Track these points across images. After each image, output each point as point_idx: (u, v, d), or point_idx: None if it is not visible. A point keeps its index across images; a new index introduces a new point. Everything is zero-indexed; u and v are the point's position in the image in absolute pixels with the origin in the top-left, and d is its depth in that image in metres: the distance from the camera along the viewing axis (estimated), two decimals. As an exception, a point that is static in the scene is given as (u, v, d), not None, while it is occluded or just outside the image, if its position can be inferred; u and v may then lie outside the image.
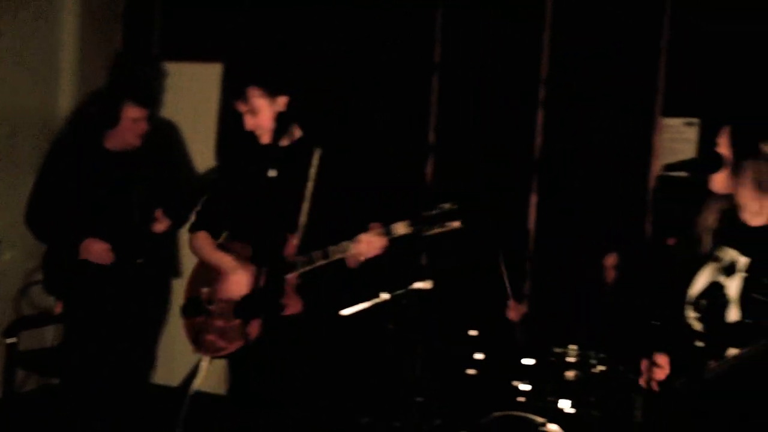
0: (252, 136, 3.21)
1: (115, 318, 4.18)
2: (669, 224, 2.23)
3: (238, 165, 3.37)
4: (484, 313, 4.35)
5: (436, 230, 2.99)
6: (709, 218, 2.49)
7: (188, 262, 5.22)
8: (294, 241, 3.09)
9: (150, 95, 4.49)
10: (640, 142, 4.58)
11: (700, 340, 2.41)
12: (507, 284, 4.26)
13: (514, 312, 4.28)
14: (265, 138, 3.18)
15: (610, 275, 4.26)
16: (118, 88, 4.32)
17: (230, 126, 5.16)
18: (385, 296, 3.28)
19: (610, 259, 4.26)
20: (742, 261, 2.37)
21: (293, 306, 3.09)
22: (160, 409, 4.76)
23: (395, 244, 3.07)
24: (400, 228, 3.04)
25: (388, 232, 3.05)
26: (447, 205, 3.00)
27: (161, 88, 5.30)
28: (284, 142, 3.22)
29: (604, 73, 4.66)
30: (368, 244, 3.04)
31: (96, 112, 4.23)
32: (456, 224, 2.98)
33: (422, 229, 2.98)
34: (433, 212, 2.99)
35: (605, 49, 4.65)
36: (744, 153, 2.34)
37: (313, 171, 3.11)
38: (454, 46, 4.97)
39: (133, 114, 4.13)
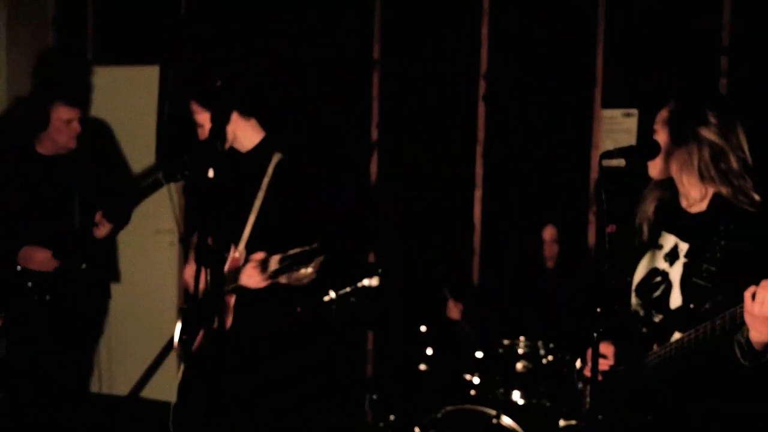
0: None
1: (59, 327, 4.09)
2: (610, 213, 2.24)
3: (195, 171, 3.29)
4: (428, 312, 4.36)
5: (300, 270, 2.76)
6: (649, 208, 2.52)
7: (126, 266, 5.18)
8: (234, 254, 2.98)
9: (80, 95, 4.37)
10: (580, 133, 4.63)
11: (644, 326, 2.44)
12: (446, 291, 4.26)
13: (453, 311, 4.29)
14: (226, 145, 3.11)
15: (551, 249, 4.28)
16: (46, 89, 4.21)
17: (170, 127, 5.11)
18: (332, 294, 3.26)
19: (548, 232, 4.28)
20: (683, 247, 2.40)
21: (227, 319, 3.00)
22: (102, 418, 4.70)
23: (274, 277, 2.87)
24: (273, 264, 2.85)
25: (263, 268, 2.87)
26: (312, 245, 2.76)
27: (93, 88, 5.21)
28: (243, 147, 3.13)
29: (543, 66, 4.70)
30: (247, 276, 2.89)
31: (24, 115, 4.11)
32: (314, 267, 2.75)
33: (289, 266, 2.78)
34: (299, 251, 2.77)
35: (543, 43, 4.70)
36: (681, 137, 2.36)
37: (266, 180, 3.00)
38: (393, 42, 4.97)
39: (63, 115, 4.03)
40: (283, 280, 2.91)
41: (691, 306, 2.30)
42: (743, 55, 4.31)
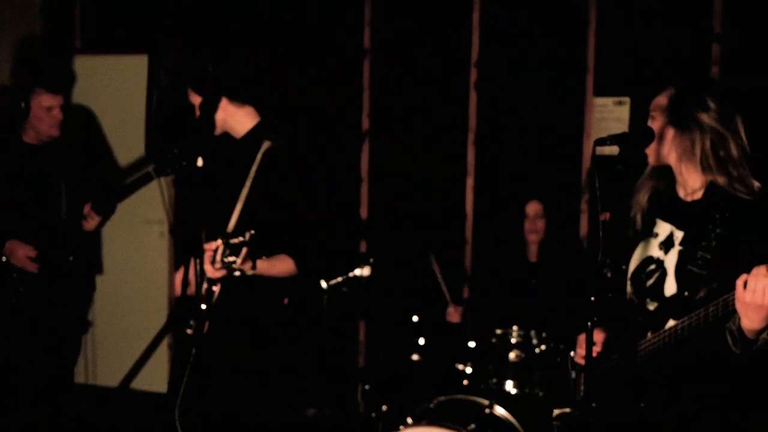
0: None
1: (45, 319, 4.06)
2: (603, 200, 2.23)
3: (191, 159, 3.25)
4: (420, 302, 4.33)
5: (230, 258, 2.76)
6: (643, 198, 2.50)
7: (115, 257, 5.14)
8: (214, 246, 2.89)
9: (62, 82, 4.29)
10: (572, 121, 4.61)
11: (639, 314, 2.43)
12: (444, 290, 4.24)
13: (453, 315, 4.28)
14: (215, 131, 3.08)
15: (532, 224, 4.25)
16: (27, 77, 4.15)
17: (159, 117, 5.07)
18: (323, 285, 3.24)
19: (532, 207, 4.25)
20: (678, 235, 2.39)
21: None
22: (91, 410, 4.68)
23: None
24: (218, 254, 2.82)
25: (213, 258, 2.83)
26: (249, 233, 2.76)
27: (81, 78, 5.16)
28: (237, 134, 3.10)
29: (534, 54, 4.68)
30: (205, 265, 2.85)
31: (6, 104, 4.06)
32: (242, 256, 2.73)
33: (229, 255, 2.77)
34: (237, 241, 2.76)
35: (534, 30, 4.68)
36: (683, 124, 2.34)
37: (254, 168, 2.95)
38: (383, 30, 4.93)
39: (44, 102, 3.98)
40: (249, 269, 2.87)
41: (686, 294, 2.30)
42: (735, 42, 4.30)
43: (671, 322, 2.30)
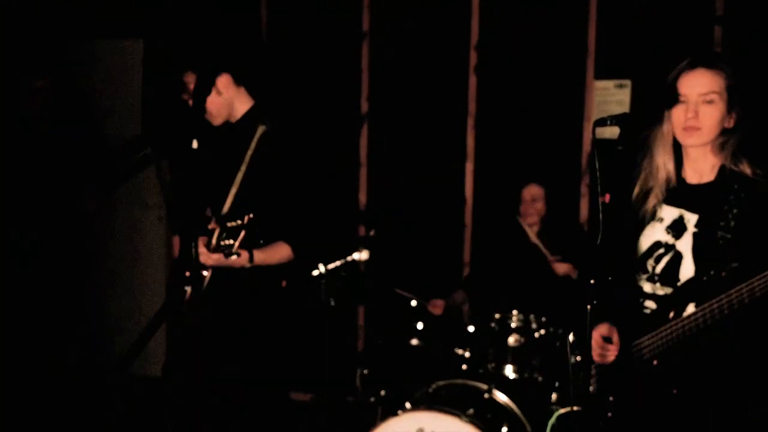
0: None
1: (41, 303, 4.06)
2: (604, 182, 2.20)
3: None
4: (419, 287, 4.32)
5: (227, 242, 2.71)
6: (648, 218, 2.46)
7: (113, 241, 5.12)
8: (209, 227, 2.85)
9: (49, 64, 4.26)
10: (573, 105, 4.58)
11: (652, 301, 2.40)
12: (417, 300, 4.20)
13: (436, 309, 4.25)
14: (211, 119, 3.05)
15: (527, 208, 4.21)
16: (16, 60, 4.13)
17: (155, 101, 5.04)
18: (321, 269, 3.21)
19: (528, 191, 4.21)
20: (691, 218, 2.37)
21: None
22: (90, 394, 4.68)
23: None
24: (214, 238, 2.80)
25: (207, 243, 2.80)
26: (247, 217, 2.71)
27: (74, 60, 5.13)
28: (232, 117, 3.07)
29: (535, 37, 4.65)
30: (203, 256, 2.81)
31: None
32: (238, 241, 2.68)
33: (225, 239, 2.72)
34: (234, 224, 2.72)
35: (535, 13, 4.64)
36: (746, 108, 2.30)
37: (249, 153, 2.92)
38: (382, 13, 4.89)
39: (31, 84, 3.96)
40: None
41: (711, 273, 2.28)
42: (737, 24, 4.26)
43: (691, 307, 2.28)
